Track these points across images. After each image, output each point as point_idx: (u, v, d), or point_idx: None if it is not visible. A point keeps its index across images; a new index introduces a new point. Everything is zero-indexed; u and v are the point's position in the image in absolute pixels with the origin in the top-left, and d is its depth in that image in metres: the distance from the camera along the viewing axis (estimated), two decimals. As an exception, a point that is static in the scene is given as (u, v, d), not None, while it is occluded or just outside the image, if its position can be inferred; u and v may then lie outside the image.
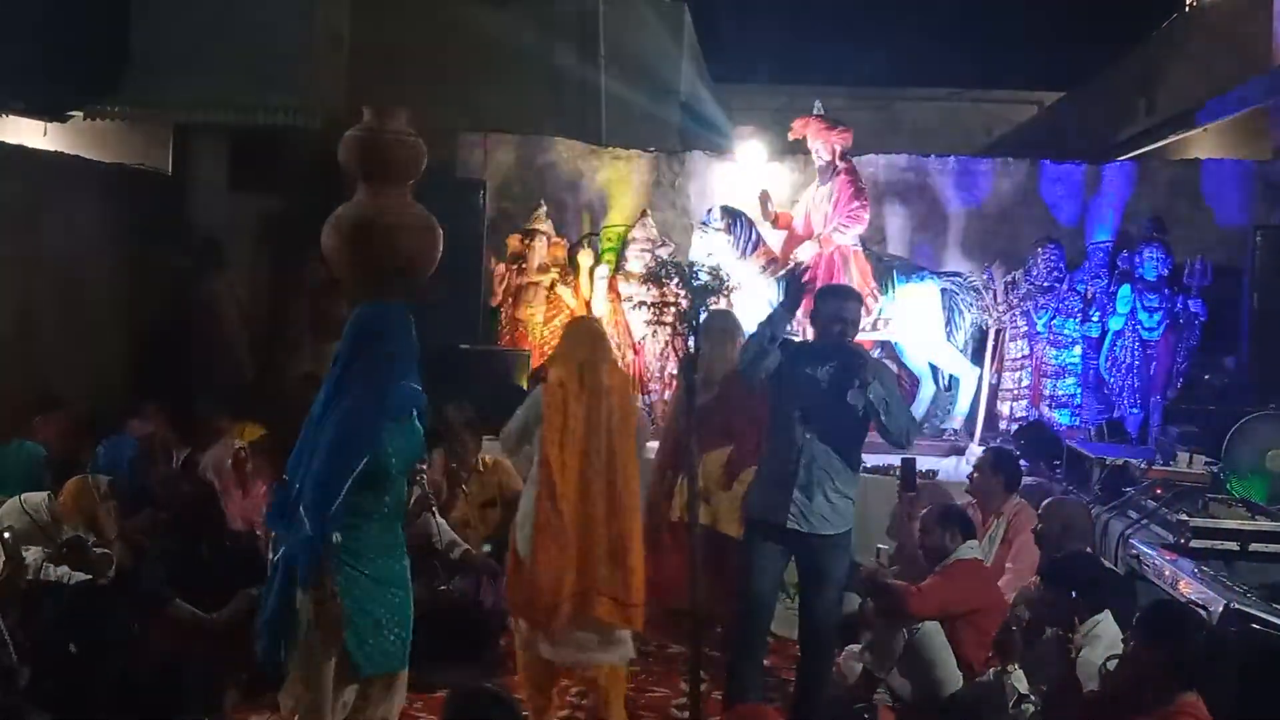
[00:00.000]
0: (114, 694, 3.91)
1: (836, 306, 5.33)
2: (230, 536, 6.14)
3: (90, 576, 5.33)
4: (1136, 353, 9.02)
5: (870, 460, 8.13)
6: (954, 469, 8.16)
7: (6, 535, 5.18)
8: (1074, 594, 4.78)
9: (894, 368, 9.33)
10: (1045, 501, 6.32)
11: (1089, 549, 5.95)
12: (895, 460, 7.99)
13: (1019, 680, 4.74)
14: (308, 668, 3.91)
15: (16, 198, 8.04)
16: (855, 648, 6.03)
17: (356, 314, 3.96)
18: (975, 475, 6.48)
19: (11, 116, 9.14)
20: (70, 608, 4.56)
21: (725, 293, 8.74)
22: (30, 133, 9.30)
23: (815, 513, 5.11)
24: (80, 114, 9.69)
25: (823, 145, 8.91)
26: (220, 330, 9.24)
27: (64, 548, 5.36)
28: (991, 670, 4.97)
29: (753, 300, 8.95)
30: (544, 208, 9.43)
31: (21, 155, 8.56)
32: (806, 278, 8.67)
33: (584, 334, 5.49)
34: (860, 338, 8.78)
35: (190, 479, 6.64)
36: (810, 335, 7.93)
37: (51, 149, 9.21)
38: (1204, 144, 11.79)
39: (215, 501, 6.20)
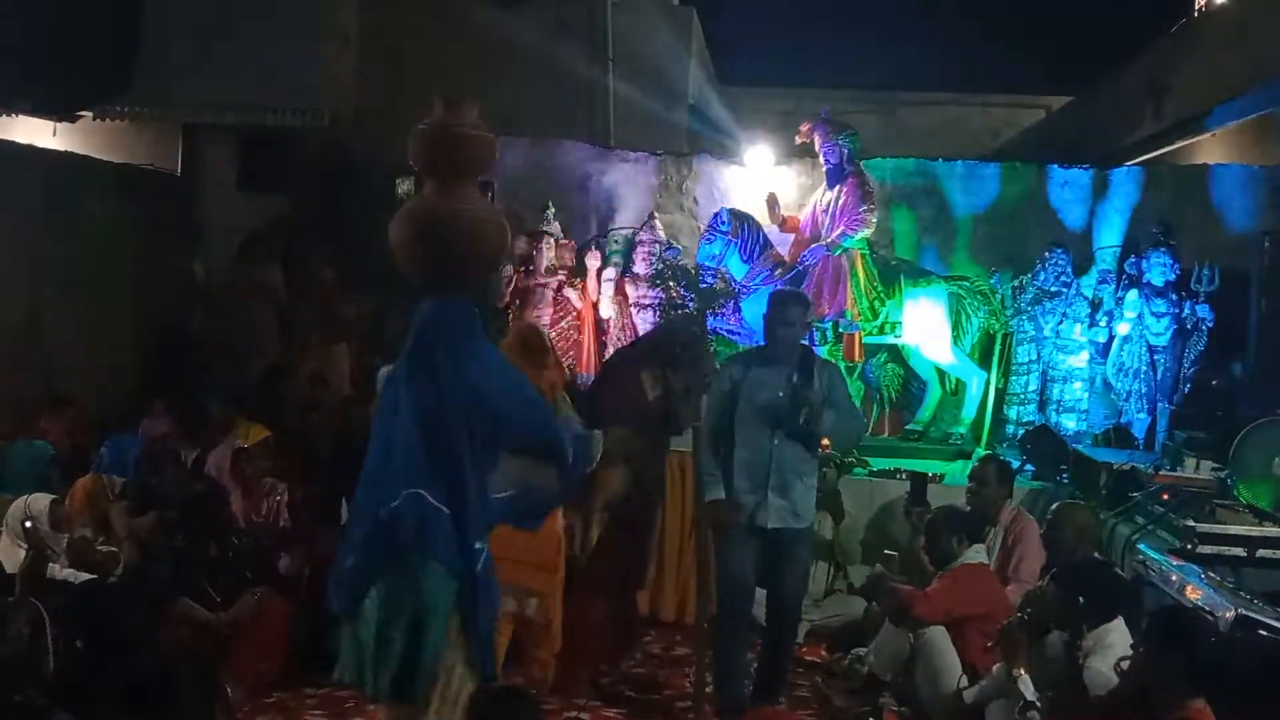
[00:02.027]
0: (121, 692, 3.90)
1: (783, 311, 5.53)
2: (237, 536, 6.15)
3: (97, 575, 5.35)
4: (1144, 358, 9.00)
5: (877, 465, 8.17)
6: (960, 473, 8.15)
7: (28, 525, 5.23)
8: (1082, 600, 4.77)
9: (902, 371, 9.38)
10: (1055, 506, 6.31)
11: (1098, 554, 5.94)
12: (902, 465, 8.05)
13: (1025, 685, 4.73)
14: (448, 698, 3.71)
15: (26, 197, 8.06)
16: (861, 651, 6.03)
17: (425, 311, 3.95)
18: (974, 485, 6.45)
19: (21, 116, 9.16)
20: (77, 606, 4.56)
21: (731, 296, 8.88)
22: (40, 132, 9.33)
23: (790, 510, 5.37)
24: (89, 114, 9.72)
25: (830, 149, 8.92)
26: (232, 330, 9.23)
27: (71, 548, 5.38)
28: (996, 667, 4.96)
29: (759, 303, 8.96)
30: (552, 210, 9.44)
31: (31, 155, 8.58)
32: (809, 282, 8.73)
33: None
34: (868, 341, 8.88)
35: (199, 478, 6.65)
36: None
37: (61, 148, 9.23)
38: (1213, 149, 11.76)
39: (223, 501, 6.21)
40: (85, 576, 5.35)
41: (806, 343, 5.84)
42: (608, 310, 9.38)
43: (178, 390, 8.17)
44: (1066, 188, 9.78)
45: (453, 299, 3.93)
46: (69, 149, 9.30)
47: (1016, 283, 9.11)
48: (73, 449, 7.11)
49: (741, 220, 9.02)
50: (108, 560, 5.50)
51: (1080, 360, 9.06)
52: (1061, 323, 9.01)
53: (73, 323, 8.42)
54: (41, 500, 5.73)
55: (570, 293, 9.36)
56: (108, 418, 7.83)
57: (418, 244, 3.93)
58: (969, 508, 6.27)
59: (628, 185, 9.96)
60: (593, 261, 9.43)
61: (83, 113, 9.69)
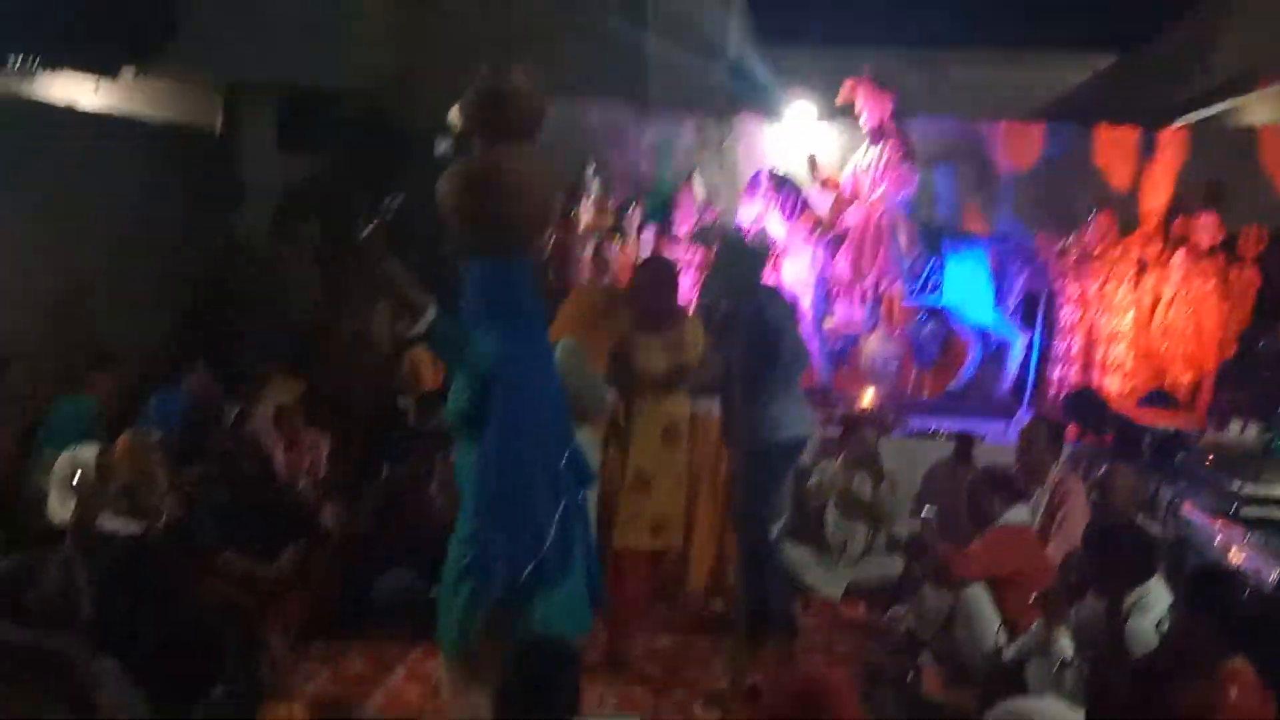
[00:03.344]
0: (165, 643, 3.96)
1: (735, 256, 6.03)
2: (278, 491, 6.21)
3: (142, 529, 5.42)
4: (1189, 319, 8.90)
5: (917, 424, 8.14)
6: (1003, 433, 8.11)
7: (77, 481, 5.31)
8: (1123, 561, 4.75)
9: (943, 331, 9.33)
10: (1103, 470, 6.25)
11: (1143, 516, 5.91)
12: (944, 425, 8.02)
13: (1064, 646, 4.71)
14: None
15: (68, 159, 8.11)
16: (900, 610, 6.03)
17: (478, 270, 3.99)
18: (1025, 445, 6.41)
19: (64, 73, 9.21)
20: (123, 558, 4.63)
21: (772, 255, 8.84)
22: (82, 88, 9.37)
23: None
24: (132, 71, 9.75)
25: (872, 108, 8.84)
26: (273, 288, 9.29)
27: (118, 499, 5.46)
28: (1035, 625, 4.94)
29: (799, 263, 8.93)
30: (592, 167, 9.39)
31: (72, 116, 8.63)
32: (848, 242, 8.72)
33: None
34: (909, 302, 8.83)
35: (239, 434, 6.71)
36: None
37: (102, 106, 9.28)
38: (1261, 109, 11.56)
39: (265, 455, 6.28)
40: (132, 528, 5.42)
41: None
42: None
43: (220, 347, 8.24)
44: (1113, 148, 9.66)
45: (509, 257, 3.99)
46: (110, 106, 9.34)
47: (1061, 244, 9.02)
48: (119, 406, 7.18)
49: (781, 180, 8.96)
50: (153, 512, 5.57)
51: (1125, 322, 8.97)
52: (1106, 284, 8.92)
53: (116, 282, 8.48)
54: (87, 452, 5.82)
55: (610, 251, 9.33)
56: (152, 375, 7.90)
57: (469, 203, 3.97)
58: (1018, 466, 6.25)
59: (667, 144, 9.91)
60: (631, 221, 9.39)
61: (125, 70, 9.72)
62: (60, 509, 5.69)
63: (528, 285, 4.11)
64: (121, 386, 7.45)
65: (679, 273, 6.13)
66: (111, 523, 5.47)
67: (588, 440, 4.81)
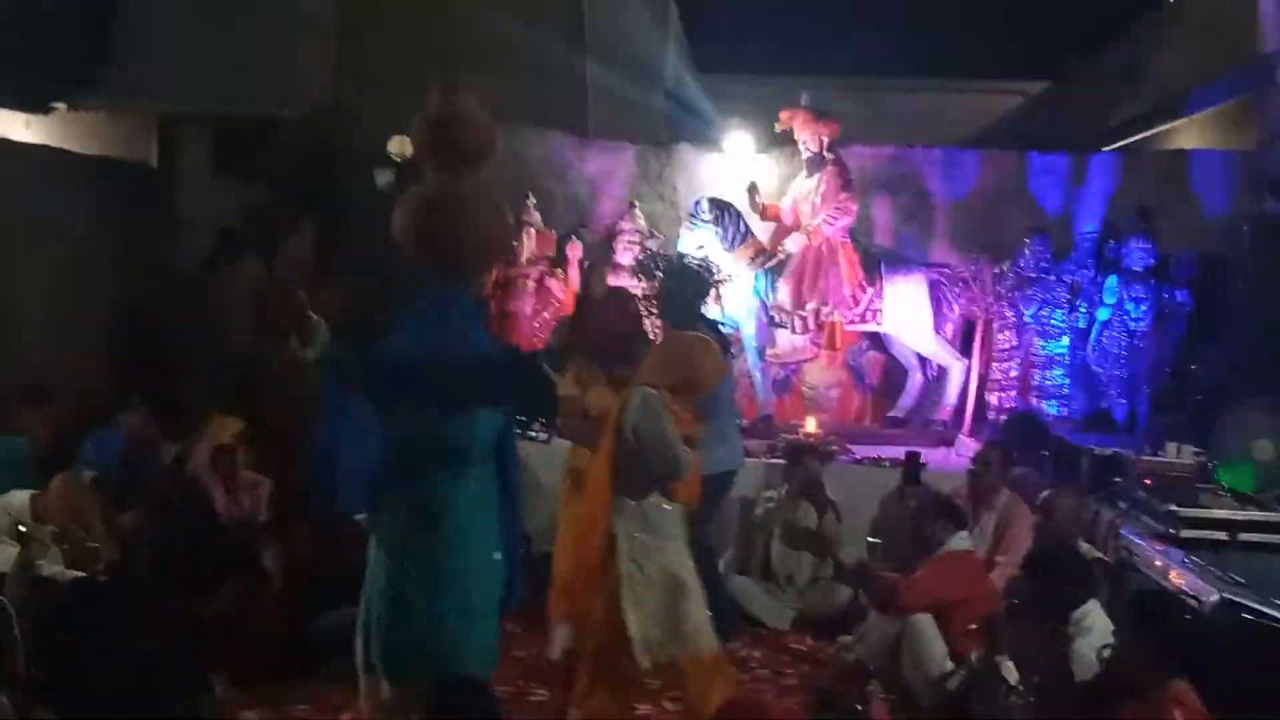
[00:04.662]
0: (107, 689, 3.89)
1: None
2: (218, 529, 6.11)
3: (81, 572, 5.31)
4: (1124, 343, 9.05)
5: (860, 452, 8.19)
6: (943, 459, 8.17)
7: (23, 528, 5.20)
8: (1064, 585, 4.80)
9: (883, 358, 9.41)
10: (1045, 494, 6.32)
11: (1085, 540, 5.98)
12: (886, 452, 8.06)
13: (1008, 671, 4.75)
14: None
15: (1, 190, 7.98)
16: (847, 639, 6.04)
17: (429, 298, 4.01)
18: (978, 469, 6.47)
19: (-6, 108, 9.07)
20: (62, 602, 4.54)
21: (714, 284, 8.87)
22: (13, 125, 9.22)
23: None
24: (63, 106, 9.61)
25: (810, 136, 8.93)
26: (209, 322, 9.17)
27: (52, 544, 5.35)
28: (975, 655, 4.98)
29: (741, 291, 8.97)
30: (532, 199, 9.37)
31: (4, 148, 8.49)
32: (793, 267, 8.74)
33: None
34: (849, 329, 8.90)
35: (178, 475, 6.61)
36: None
37: (35, 141, 9.14)
38: (1190, 134, 11.82)
39: (204, 496, 6.18)
40: (72, 574, 5.31)
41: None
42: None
43: (156, 384, 8.11)
44: (1045, 174, 9.80)
45: (455, 287, 3.97)
46: (43, 141, 9.20)
47: (997, 269, 9.13)
48: (53, 445, 7.04)
49: (722, 208, 9.01)
50: (90, 556, 5.46)
51: (1061, 346, 9.09)
52: (1042, 309, 9.04)
53: (49, 317, 8.34)
54: (20, 497, 5.69)
55: (552, 283, 9.30)
56: (87, 413, 7.76)
57: (421, 231, 3.95)
58: (968, 491, 6.30)
59: (607, 174, 9.92)
60: (573, 251, 9.38)
61: (56, 104, 9.58)
62: (-5, 555, 5.56)
63: (476, 314, 4.10)
64: (55, 424, 7.30)
65: (638, 307, 6.03)
66: (50, 568, 5.36)
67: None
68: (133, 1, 9.51)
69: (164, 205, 9.90)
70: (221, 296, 9.38)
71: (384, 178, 9.06)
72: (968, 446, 8.13)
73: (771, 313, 8.94)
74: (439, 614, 3.84)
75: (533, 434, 7.72)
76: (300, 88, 9.71)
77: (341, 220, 9.76)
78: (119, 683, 3.84)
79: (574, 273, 9.32)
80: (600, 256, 9.39)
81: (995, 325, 9.16)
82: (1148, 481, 6.59)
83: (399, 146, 9.19)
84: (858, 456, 8.15)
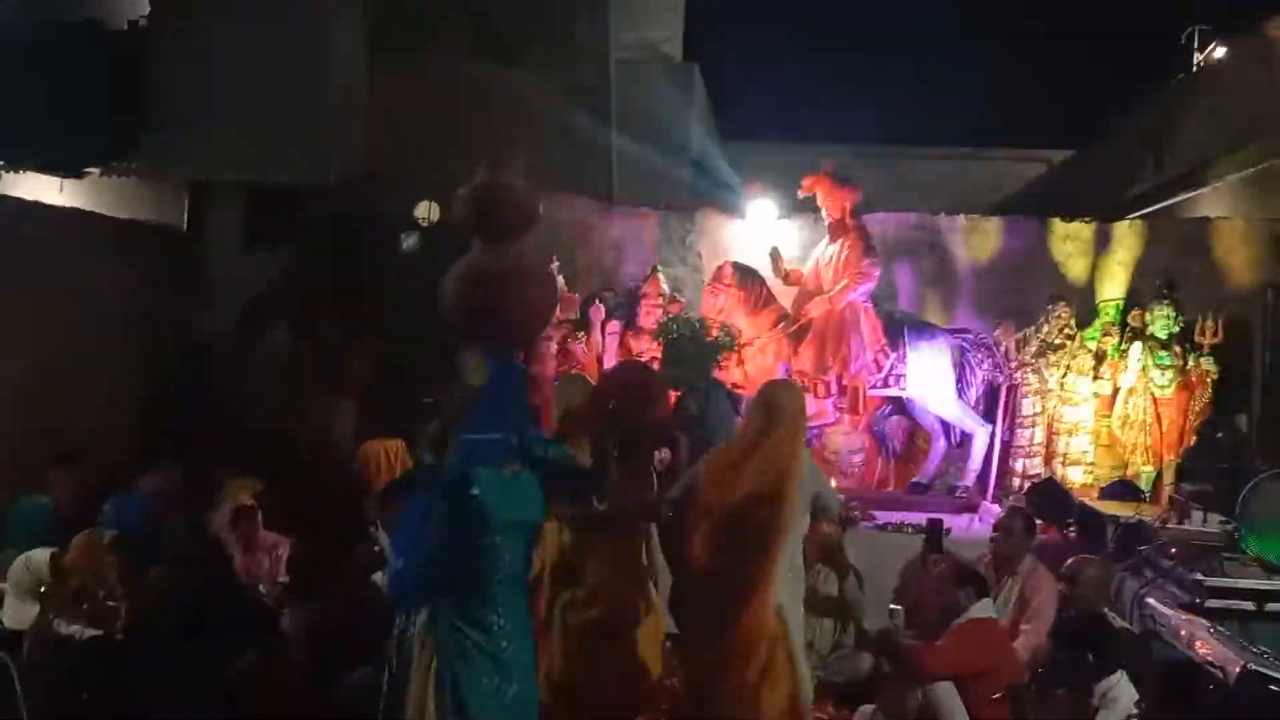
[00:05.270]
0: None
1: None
2: (238, 590, 6.11)
3: (100, 631, 5.32)
4: (1149, 410, 8.99)
5: (883, 517, 8.14)
6: (966, 526, 8.11)
7: (44, 587, 5.24)
8: (1089, 655, 4.74)
9: (907, 424, 9.36)
10: (1070, 562, 6.24)
11: (1109, 609, 5.90)
12: (909, 518, 8.00)
13: (1034, 742, 4.68)
14: None
15: (33, 254, 8.10)
16: (868, 708, 5.96)
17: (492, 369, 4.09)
18: (1002, 535, 6.41)
19: (28, 173, 9.22)
20: (82, 661, 4.55)
21: (737, 349, 8.90)
22: (46, 189, 9.38)
23: None
24: (96, 171, 9.78)
25: (832, 203, 8.98)
26: (237, 389, 9.24)
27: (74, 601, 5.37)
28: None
29: (764, 356, 8.98)
30: (555, 263, 9.42)
31: (38, 211, 8.63)
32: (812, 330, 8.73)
33: None
34: (872, 393, 8.88)
35: (199, 537, 6.61)
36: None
37: (67, 205, 9.28)
38: (1214, 202, 11.82)
39: (224, 558, 6.19)
40: (90, 632, 5.32)
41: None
42: (612, 364, 9.37)
43: (181, 449, 8.15)
44: (1068, 241, 9.83)
45: (509, 358, 4.03)
46: (75, 205, 9.34)
47: (1020, 335, 9.12)
48: (78, 507, 7.08)
49: (745, 274, 9.05)
50: (110, 615, 5.47)
51: (1085, 413, 9.04)
52: (1066, 375, 9.01)
53: (79, 380, 8.42)
54: (40, 555, 5.72)
55: (575, 346, 9.34)
56: (110, 474, 7.80)
57: (473, 305, 3.99)
58: (989, 558, 6.24)
59: (631, 239, 10.00)
60: (596, 315, 9.43)
61: (89, 170, 9.75)
62: (16, 614, 5.58)
63: (519, 383, 4.16)
64: (80, 485, 7.35)
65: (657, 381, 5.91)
66: (69, 626, 5.37)
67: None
68: (165, 70, 9.71)
69: (194, 270, 10.02)
70: (249, 362, 9.46)
71: (410, 241, 9.15)
72: (991, 513, 8.07)
73: (794, 377, 8.93)
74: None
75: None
76: (328, 156, 9.85)
77: (371, 286, 9.84)
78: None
79: (596, 336, 9.35)
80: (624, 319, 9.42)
81: (1019, 391, 9.13)
82: (1174, 550, 6.52)
83: (425, 211, 9.30)
84: (880, 522, 8.10)
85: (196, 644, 5.51)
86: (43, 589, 5.45)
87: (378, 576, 6.43)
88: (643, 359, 9.18)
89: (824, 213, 9.07)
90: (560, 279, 9.37)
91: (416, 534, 4.06)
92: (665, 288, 9.53)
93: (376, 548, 6.80)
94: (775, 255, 9.14)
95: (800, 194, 9.19)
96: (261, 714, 5.57)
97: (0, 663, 3.88)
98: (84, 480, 7.43)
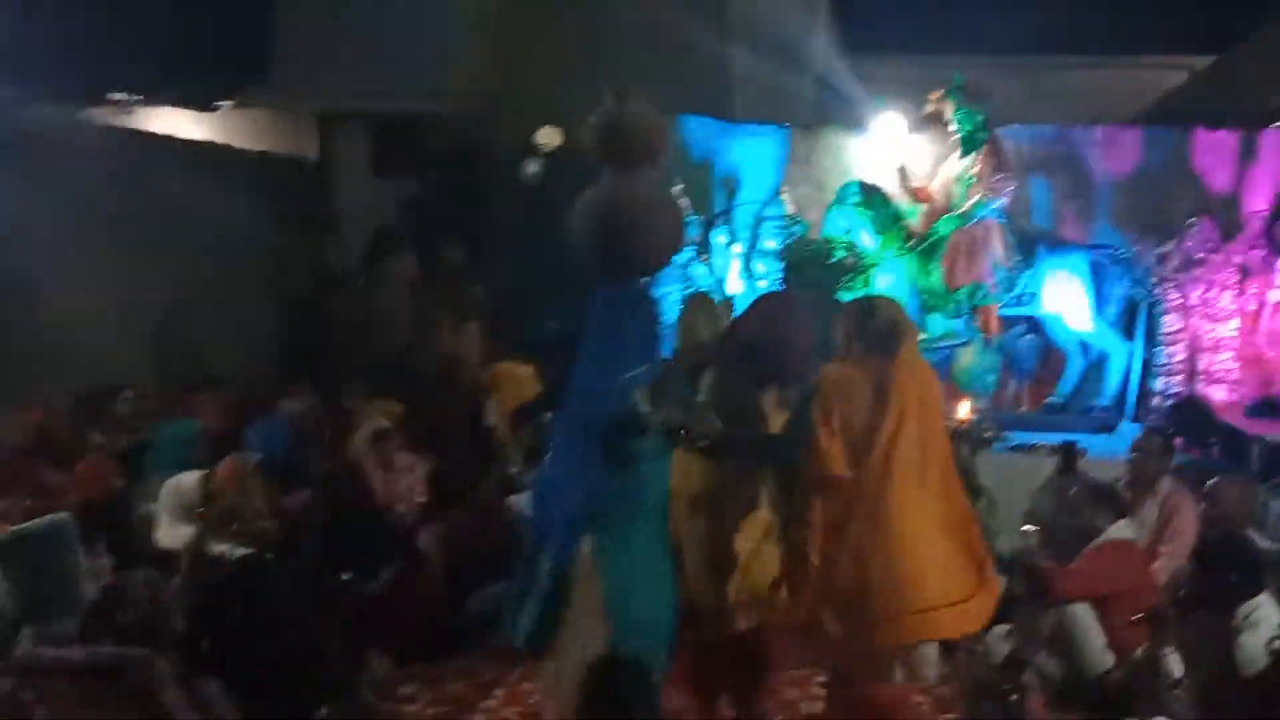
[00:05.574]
0: (270, 659, 4.05)
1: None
2: (377, 514, 6.29)
3: (250, 550, 5.53)
4: (1297, 326, 8.68)
5: (1016, 438, 8.01)
6: (1104, 446, 7.94)
7: (196, 510, 5.48)
8: (1232, 577, 4.63)
9: (1041, 343, 9.16)
10: (1212, 482, 6.08)
11: (1254, 529, 5.75)
12: (1038, 439, 7.86)
13: (1174, 663, 4.59)
14: None
15: (169, 187, 8.33)
16: (1002, 629, 5.92)
17: (601, 295, 4.10)
18: (1138, 456, 6.26)
19: (162, 107, 9.46)
20: (232, 580, 4.74)
21: (863, 270, 8.78)
22: (180, 122, 9.62)
23: None
24: (228, 103, 10.00)
25: (962, 116, 8.75)
26: (368, 314, 9.45)
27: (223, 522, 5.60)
28: (1142, 649, 4.82)
29: (891, 277, 8.85)
30: (679, 185, 9.37)
31: (172, 146, 8.86)
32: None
33: None
34: (1004, 313, 8.70)
35: (339, 459, 6.81)
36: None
37: (200, 138, 9.51)
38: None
39: (364, 479, 6.37)
40: (240, 551, 5.54)
41: None
42: (735, 286, 9.32)
43: (318, 372, 8.39)
44: (1212, 152, 9.44)
45: (635, 284, 4.05)
46: (208, 138, 9.57)
47: (1162, 250, 8.83)
48: (221, 430, 7.33)
49: (871, 192, 8.90)
50: (260, 535, 5.69)
51: (1229, 329, 8.75)
52: (1209, 291, 8.73)
53: (216, 308, 8.68)
54: (190, 477, 5.95)
55: (698, 268, 9.31)
56: (254, 398, 8.07)
57: (604, 234, 4.02)
58: (1128, 479, 6.11)
59: (754, 159, 9.87)
60: (720, 238, 9.37)
61: (222, 103, 9.97)
62: (169, 534, 5.83)
63: (654, 312, 4.17)
64: (223, 411, 7.62)
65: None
66: (219, 546, 5.60)
67: None
68: (292, 3, 9.85)
69: (324, 201, 10.23)
70: (379, 290, 9.66)
71: (531, 168, 9.19)
72: (1129, 433, 7.88)
73: (923, 297, 8.79)
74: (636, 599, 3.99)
75: None
76: (455, 84, 9.91)
77: (492, 215, 9.93)
78: (281, 656, 3.98)
79: (718, 258, 9.29)
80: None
81: (1160, 308, 8.86)
82: (1322, 470, 6.31)
83: (547, 138, 9.31)
84: (1014, 444, 7.97)
85: (339, 561, 5.72)
86: (195, 510, 5.68)
87: (513, 498, 6.58)
88: (764, 283, 9.13)
89: (954, 126, 8.84)
90: (684, 201, 9.37)
91: (570, 465, 4.11)
92: (790, 208, 9.42)
93: (513, 470, 6.95)
94: (903, 173, 8.97)
95: (928, 109, 8.97)
96: (400, 627, 5.77)
97: (153, 580, 4.07)
98: (227, 405, 7.70)
